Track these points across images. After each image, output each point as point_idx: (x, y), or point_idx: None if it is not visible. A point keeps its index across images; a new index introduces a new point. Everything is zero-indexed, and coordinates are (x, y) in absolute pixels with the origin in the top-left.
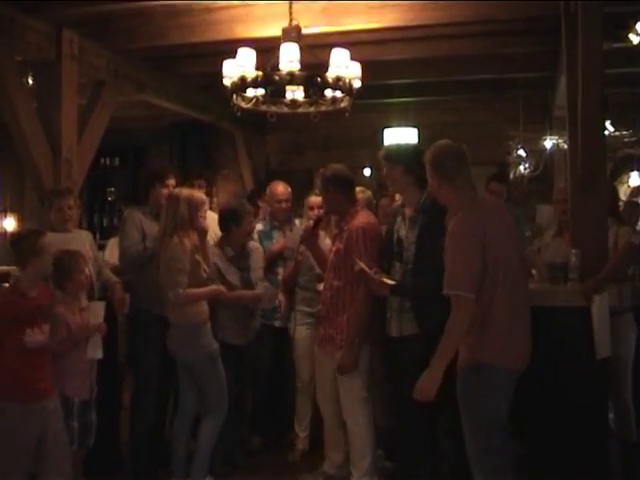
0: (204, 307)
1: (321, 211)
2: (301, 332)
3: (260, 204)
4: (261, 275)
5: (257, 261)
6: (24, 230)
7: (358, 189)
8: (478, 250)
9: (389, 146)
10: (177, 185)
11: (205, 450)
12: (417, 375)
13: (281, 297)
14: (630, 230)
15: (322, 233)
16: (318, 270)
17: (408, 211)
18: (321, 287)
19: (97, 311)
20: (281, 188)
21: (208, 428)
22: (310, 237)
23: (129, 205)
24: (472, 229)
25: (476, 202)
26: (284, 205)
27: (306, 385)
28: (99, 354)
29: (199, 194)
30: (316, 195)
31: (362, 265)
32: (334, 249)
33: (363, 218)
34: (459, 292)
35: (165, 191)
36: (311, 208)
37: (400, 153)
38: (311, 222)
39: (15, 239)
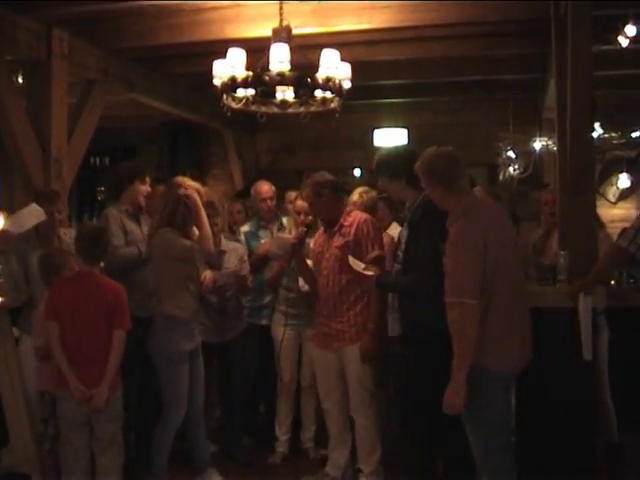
0: (189, 304)
1: (284, 222)
2: (281, 333)
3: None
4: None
5: (230, 261)
6: (95, 226)
7: (363, 189)
8: (480, 255)
9: (376, 157)
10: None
11: (156, 452)
12: (403, 377)
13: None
14: (609, 233)
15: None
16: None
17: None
18: (305, 287)
19: None
20: (265, 187)
21: (157, 436)
22: (300, 246)
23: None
24: (474, 235)
25: (477, 206)
26: (269, 203)
27: (287, 387)
28: None
29: (191, 182)
30: (302, 199)
31: (350, 259)
32: (338, 245)
33: (362, 214)
34: (464, 299)
35: (144, 188)
36: (299, 213)
37: (383, 163)
38: (302, 230)
39: (95, 236)
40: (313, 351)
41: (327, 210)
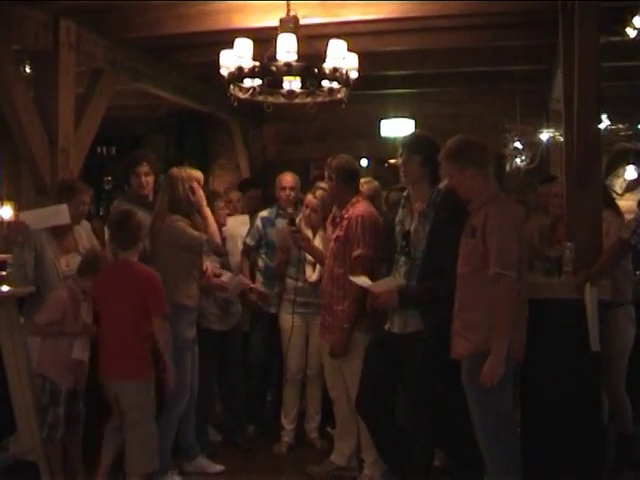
0: (193, 292)
1: (289, 210)
2: (289, 321)
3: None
4: (239, 260)
5: (233, 246)
6: (124, 211)
7: (364, 179)
8: (518, 236)
9: (409, 135)
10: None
11: (162, 439)
12: (422, 372)
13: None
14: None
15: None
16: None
17: (418, 205)
18: (313, 277)
19: (84, 310)
20: (288, 177)
21: (162, 420)
22: (297, 240)
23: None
24: (514, 217)
25: (500, 194)
26: (287, 192)
27: (293, 376)
28: (84, 356)
29: (192, 171)
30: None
31: (354, 280)
32: (334, 236)
33: (362, 207)
34: (508, 272)
35: (142, 170)
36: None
37: (419, 143)
38: (289, 228)
39: (122, 220)
40: (320, 342)
41: (333, 196)
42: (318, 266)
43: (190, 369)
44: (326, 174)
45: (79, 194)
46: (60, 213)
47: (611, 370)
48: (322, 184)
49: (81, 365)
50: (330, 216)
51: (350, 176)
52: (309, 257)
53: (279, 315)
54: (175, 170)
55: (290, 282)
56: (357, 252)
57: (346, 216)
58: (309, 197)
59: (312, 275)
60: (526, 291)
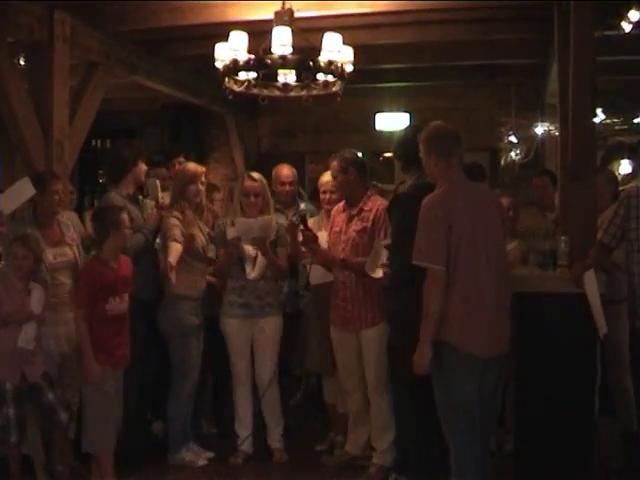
0: (198, 283)
1: (302, 207)
2: (230, 324)
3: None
4: None
5: None
6: (105, 205)
7: None
8: (444, 227)
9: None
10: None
11: (173, 430)
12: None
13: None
14: None
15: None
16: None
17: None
18: (252, 274)
19: (37, 297)
20: (285, 171)
21: (171, 407)
22: (310, 240)
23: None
24: (440, 206)
25: (455, 184)
26: (288, 188)
27: (242, 382)
28: (29, 345)
29: (193, 166)
30: (253, 179)
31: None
32: (357, 229)
33: (381, 200)
34: (428, 264)
35: (145, 167)
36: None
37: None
38: (294, 222)
39: (97, 213)
40: (334, 334)
41: (349, 188)
42: (258, 262)
43: (195, 354)
44: (337, 167)
45: (49, 184)
46: (25, 187)
47: (614, 366)
48: (254, 174)
49: (27, 356)
50: (338, 208)
51: (364, 169)
52: (248, 252)
53: (219, 319)
54: (178, 165)
55: (230, 282)
56: (386, 242)
57: (367, 208)
58: (247, 183)
59: (252, 272)
60: (492, 289)
